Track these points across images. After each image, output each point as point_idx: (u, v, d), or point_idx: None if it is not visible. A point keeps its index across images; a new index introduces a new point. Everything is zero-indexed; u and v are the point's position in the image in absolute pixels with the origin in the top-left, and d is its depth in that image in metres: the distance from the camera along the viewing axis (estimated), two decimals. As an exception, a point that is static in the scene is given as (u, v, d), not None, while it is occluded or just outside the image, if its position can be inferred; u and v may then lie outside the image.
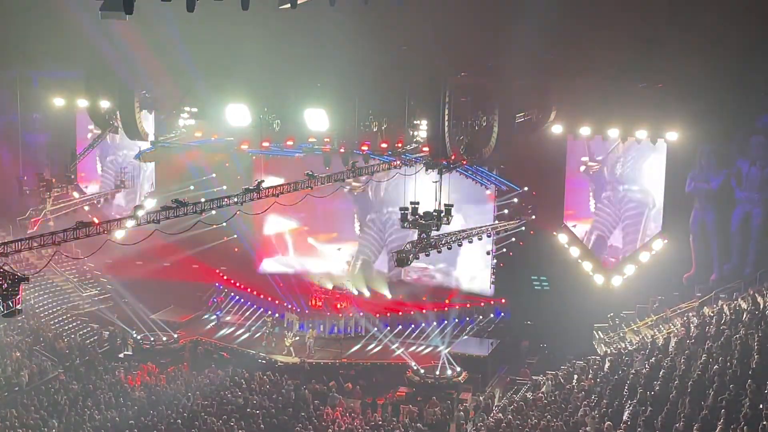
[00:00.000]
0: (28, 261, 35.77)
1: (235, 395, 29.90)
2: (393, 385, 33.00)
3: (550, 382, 29.81)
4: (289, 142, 33.81)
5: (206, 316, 40.72)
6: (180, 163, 39.85)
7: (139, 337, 37.10)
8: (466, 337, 37.01)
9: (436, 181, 28.91)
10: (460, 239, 29.57)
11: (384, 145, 32.72)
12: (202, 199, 24.10)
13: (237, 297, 41.17)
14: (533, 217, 35.92)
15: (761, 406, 18.43)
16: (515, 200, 36.59)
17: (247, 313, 40.01)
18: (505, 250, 37.23)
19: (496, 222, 35.71)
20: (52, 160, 41.36)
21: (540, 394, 28.40)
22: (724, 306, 29.25)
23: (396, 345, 36.18)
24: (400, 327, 37.73)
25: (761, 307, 26.63)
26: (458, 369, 33.56)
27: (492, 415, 27.79)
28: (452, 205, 27.42)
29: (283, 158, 36.74)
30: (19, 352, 32.29)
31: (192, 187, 38.83)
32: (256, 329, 38.46)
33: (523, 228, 35.77)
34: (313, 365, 34.63)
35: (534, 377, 32.42)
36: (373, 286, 40.02)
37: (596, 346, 32.71)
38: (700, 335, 26.60)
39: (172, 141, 37.25)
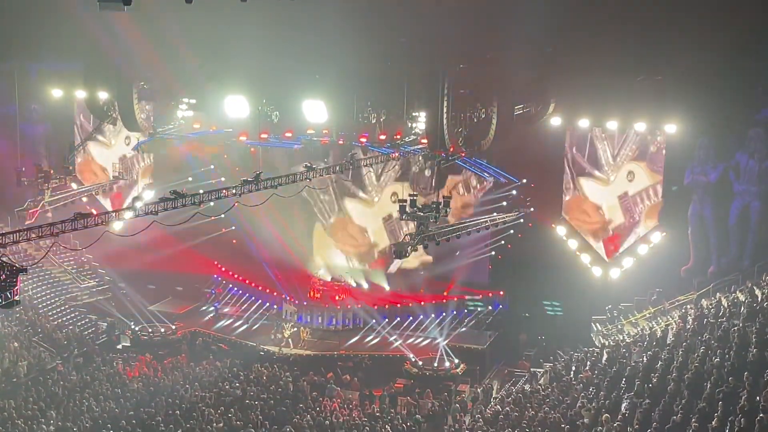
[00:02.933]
0: (27, 252, 35.76)
1: (234, 387, 29.93)
2: (391, 377, 32.98)
3: (547, 374, 29.89)
4: (288, 134, 33.74)
5: (204, 308, 40.74)
6: (178, 155, 39.81)
7: (137, 329, 37.13)
8: (464, 329, 37.04)
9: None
10: (459, 232, 29.51)
11: (383, 137, 32.67)
12: (201, 191, 24.04)
13: (235, 288, 41.20)
14: (532, 209, 35.89)
15: (758, 398, 18.47)
16: (514, 192, 36.58)
17: (245, 305, 40.07)
18: (503, 242, 37.24)
19: (495, 214, 35.68)
20: (50, 151, 41.32)
21: (538, 386, 28.45)
22: (722, 298, 29.27)
23: (394, 337, 36.21)
24: (399, 319, 37.77)
25: (759, 299, 26.65)
26: (456, 361, 33.61)
27: (490, 407, 27.85)
28: (450, 197, 27.35)
29: (281, 150, 36.71)
30: (18, 343, 32.31)
31: (190, 179, 38.75)
32: (254, 321, 38.51)
33: (522, 220, 35.77)
34: (311, 357, 34.67)
35: (532, 369, 32.51)
36: (371, 278, 40.05)
37: (594, 338, 32.75)
38: (698, 327, 26.65)
39: (171, 132, 37.15)
